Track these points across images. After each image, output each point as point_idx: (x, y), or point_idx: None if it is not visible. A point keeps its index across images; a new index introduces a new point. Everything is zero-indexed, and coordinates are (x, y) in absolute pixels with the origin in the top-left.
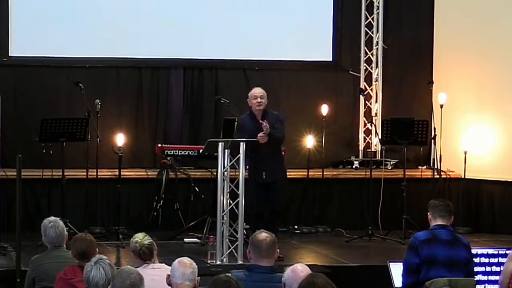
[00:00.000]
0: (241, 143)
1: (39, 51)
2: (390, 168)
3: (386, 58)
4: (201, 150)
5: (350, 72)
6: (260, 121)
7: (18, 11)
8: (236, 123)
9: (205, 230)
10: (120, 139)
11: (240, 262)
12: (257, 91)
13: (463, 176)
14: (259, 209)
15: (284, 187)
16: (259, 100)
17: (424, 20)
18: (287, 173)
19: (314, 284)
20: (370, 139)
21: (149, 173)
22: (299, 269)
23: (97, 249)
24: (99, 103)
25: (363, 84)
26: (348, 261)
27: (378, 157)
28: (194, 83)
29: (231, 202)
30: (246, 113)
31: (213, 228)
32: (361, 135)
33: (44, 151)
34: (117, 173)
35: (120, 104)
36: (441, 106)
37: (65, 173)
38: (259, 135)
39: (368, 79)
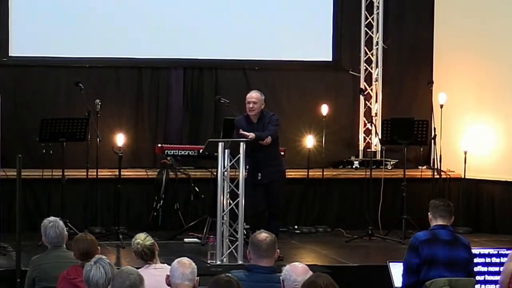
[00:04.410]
0: (241, 143)
1: (39, 51)
2: (390, 168)
3: (386, 58)
4: (201, 150)
5: (350, 72)
6: (241, 132)
7: (18, 11)
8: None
9: (205, 230)
10: (120, 139)
11: (240, 262)
12: (251, 95)
13: (463, 176)
14: (259, 209)
15: (281, 189)
16: (251, 105)
17: (424, 20)
18: (287, 173)
19: (316, 284)
20: (370, 139)
21: (149, 173)
22: (296, 264)
23: (99, 248)
24: (99, 103)
25: (363, 84)
26: (348, 261)
27: (378, 157)
28: (194, 83)
29: (231, 202)
30: (243, 115)
31: (213, 228)
32: (361, 135)
33: (44, 151)
34: (117, 173)
35: (120, 104)
36: (441, 106)
37: (65, 173)
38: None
39: (368, 79)
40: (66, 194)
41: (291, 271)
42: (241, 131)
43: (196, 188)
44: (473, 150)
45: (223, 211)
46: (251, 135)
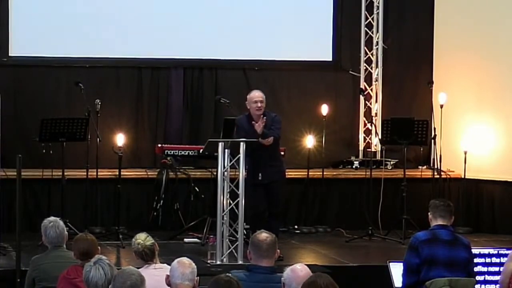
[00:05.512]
0: (241, 143)
1: (39, 51)
2: (390, 168)
3: (386, 58)
4: (201, 150)
5: (350, 72)
6: (253, 122)
7: (18, 11)
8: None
9: (205, 230)
10: (120, 139)
11: (240, 262)
12: (257, 95)
13: (463, 176)
14: (259, 209)
15: (281, 189)
16: (259, 105)
17: (424, 20)
18: (287, 173)
19: (316, 284)
20: (370, 139)
21: (149, 173)
22: (298, 269)
23: (99, 248)
24: (99, 103)
25: (363, 84)
26: (348, 261)
27: (378, 157)
28: (194, 83)
29: (231, 202)
30: (244, 114)
31: (213, 228)
32: (361, 135)
33: (44, 151)
34: (117, 173)
35: (120, 104)
36: (441, 106)
37: (65, 173)
38: (255, 125)
39: (368, 79)
40: (66, 194)
41: (292, 278)
42: (254, 124)
43: (196, 188)
44: (473, 150)
45: (223, 211)
46: (260, 128)
